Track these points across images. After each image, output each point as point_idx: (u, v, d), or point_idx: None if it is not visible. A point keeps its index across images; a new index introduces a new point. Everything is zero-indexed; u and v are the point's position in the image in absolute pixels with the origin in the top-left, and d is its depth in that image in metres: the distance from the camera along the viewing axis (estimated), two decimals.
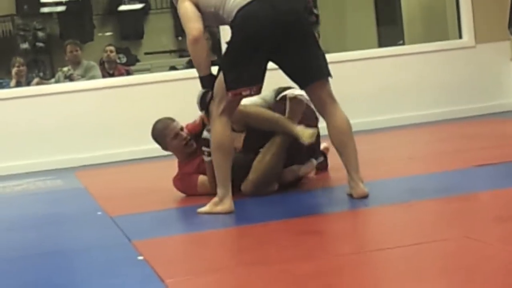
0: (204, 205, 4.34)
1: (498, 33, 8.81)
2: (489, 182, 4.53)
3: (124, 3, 12.09)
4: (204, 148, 4.70)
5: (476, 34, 9.09)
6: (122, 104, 8.35)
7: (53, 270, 3.46)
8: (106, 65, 9.42)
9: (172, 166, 5.11)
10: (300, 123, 4.68)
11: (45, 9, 11.76)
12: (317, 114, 4.63)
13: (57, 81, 8.87)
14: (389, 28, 12.06)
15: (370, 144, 7.01)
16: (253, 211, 4.45)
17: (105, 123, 8.29)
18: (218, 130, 4.26)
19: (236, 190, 4.46)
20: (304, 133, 4.59)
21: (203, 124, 4.85)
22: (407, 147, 6.99)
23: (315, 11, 6.20)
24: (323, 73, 4.33)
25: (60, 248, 3.99)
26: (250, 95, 4.26)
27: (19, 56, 9.57)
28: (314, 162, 5.08)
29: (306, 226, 3.81)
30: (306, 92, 4.44)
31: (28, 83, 8.96)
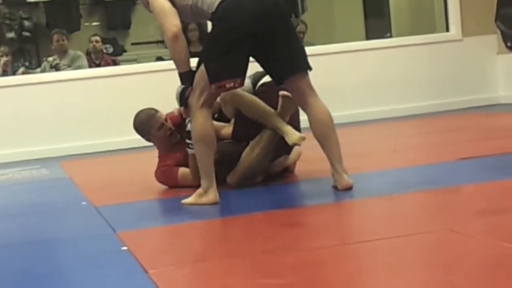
0: (188, 196, 4.33)
1: (485, 27, 8.84)
2: (474, 175, 4.54)
3: None
4: (188, 141, 4.68)
5: (463, 27, 9.12)
6: (108, 94, 8.34)
7: (37, 259, 3.45)
8: (93, 55, 9.39)
9: (156, 156, 5.10)
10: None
11: None
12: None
13: (43, 71, 8.84)
14: (376, 21, 12.07)
15: (356, 136, 7.03)
16: (238, 202, 4.45)
17: (90, 113, 8.28)
18: (200, 122, 4.24)
19: (221, 181, 4.46)
20: (293, 135, 4.56)
21: (181, 116, 4.82)
22: (392, 139, 7.00)
23: None
24: (304, 65, 4.32)
25: (45, 237, 3.98)
26: (234, 87, 4.22)
27: (4, 45, 9.52)
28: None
29: (290, 217, 3.82)
30: (286, 85, 4.41)
31: (13, 73, 8.93)
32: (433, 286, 2.50)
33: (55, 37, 8.99)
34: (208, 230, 3.88)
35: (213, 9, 4.21)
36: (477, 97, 9.02)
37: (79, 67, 8.81)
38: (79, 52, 9.08)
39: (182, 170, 4.87)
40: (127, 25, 12.11)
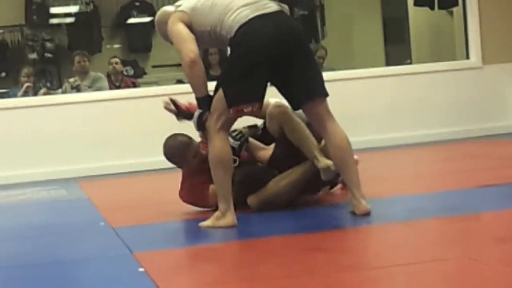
0: (206, 219, 4.34)
1: (505, 54, 8.82)
2: (492, 203, 4.53)
3: (133, 16, 12.11)
4: None
5: (484, 55, 9.10)
6: (128, 116, 8.37)
7: (54, 280, 3.46)
8: (112, 77, 9.43)
9: (176, 178, 5.09)
10: None
11: (54, 20, 11.79)
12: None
13: (64, 92, 8.89)
14: (396, 47, 12.08)
15: (375, 162, 7.01)
16: (256, 225, 4.45)
17: (110, 134, 8.31)
18: (218, 146, 4.24)
19: (240, 202, 4.46)
20: (330, 166, 4.50)
21: None
22: (411, 165, 6.98)
23: None
24: (323, 91, 4.32)
25: (62, 258, 3.99)
26: (252, 112, 4.22)
27: (27, 66, 9.58)
28: (327, 189, 5.08)
29: (308, 242, 3.81)
30: (304, 111, 4.40)
31: (35, 93, 8.99)
32: None
33: (77, 58, 9.05)
34: (226, 253, 3.88)
35: (232, 34, 4.22)
36: (497, 124, 8.98)
37: (100, 89, 8.85)
38: (100, 74, 9.12)
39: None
40: (148, 48, 12.17)
